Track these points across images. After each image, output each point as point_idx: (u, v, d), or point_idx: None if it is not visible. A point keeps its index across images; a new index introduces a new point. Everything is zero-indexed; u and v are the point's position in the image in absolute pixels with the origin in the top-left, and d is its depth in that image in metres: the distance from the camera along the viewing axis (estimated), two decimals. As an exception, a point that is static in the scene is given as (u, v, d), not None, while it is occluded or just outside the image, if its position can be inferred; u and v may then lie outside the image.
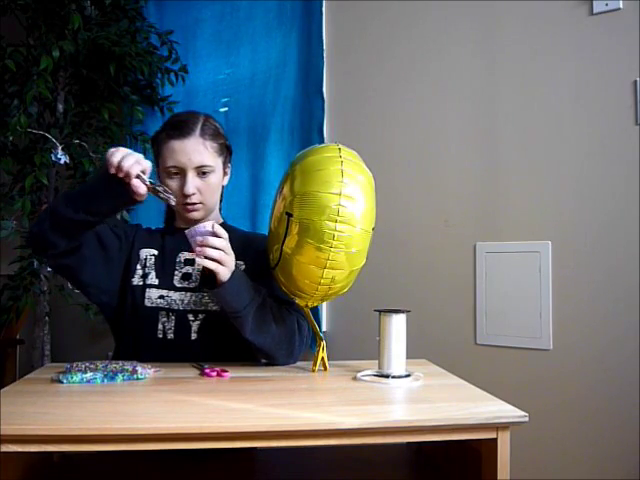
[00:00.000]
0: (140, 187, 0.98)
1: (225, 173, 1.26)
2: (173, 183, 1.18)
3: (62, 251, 1.07)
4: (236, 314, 1.04)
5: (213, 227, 1.00)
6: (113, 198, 1.02)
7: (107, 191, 1.01)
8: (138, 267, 1.20)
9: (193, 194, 1.17)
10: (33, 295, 1.99)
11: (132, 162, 0.96)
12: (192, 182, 1.16)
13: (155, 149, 1.22)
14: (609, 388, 1.53)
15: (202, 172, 1.18)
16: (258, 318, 1.06)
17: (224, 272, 0.99)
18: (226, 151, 1.25)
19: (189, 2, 2.26)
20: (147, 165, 0.99)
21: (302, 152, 1.02)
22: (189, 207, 1.18)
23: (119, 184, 0.98)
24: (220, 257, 0.98)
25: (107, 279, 1.17)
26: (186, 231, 1.02)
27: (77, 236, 1.07)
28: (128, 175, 0.96)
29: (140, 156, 0.99)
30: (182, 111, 1.32)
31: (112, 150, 0.98)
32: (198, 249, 0.98)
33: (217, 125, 1.24)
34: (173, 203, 1.05)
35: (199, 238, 0.99)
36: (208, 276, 1.03)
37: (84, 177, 1.97)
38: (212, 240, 0.99)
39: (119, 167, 0.96)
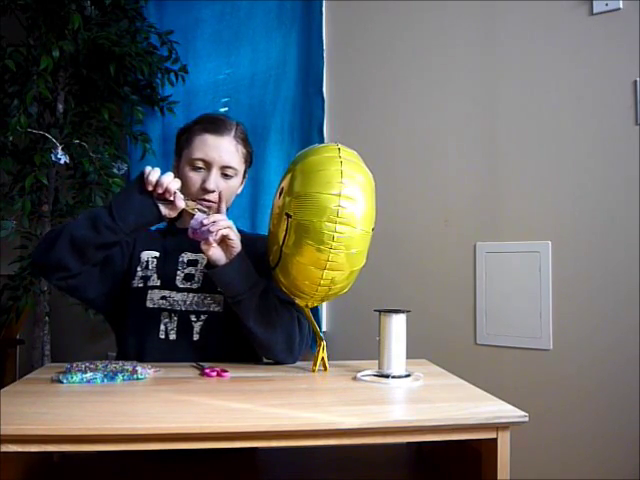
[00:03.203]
0: (180, 201, 1.04)
1: (242, 182, 1.27)
2: (195, 176, 1.19)
3: (73, 274, 1.07)
4: (240, 296, 1.05)
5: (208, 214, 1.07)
6: (141, 215, 1.04)
7: (137, 207, 1.04)
8: (139, 269, 1.20)
9: (213, 191, 1.17)
10: (33, 295, 1.99)
11: (171, 179, 1.03)
12: (215, 179, 1.18)
13: (183, 139, 1.22)
14: (609, 388, 1.53)
15: (226, 173, 1.19)
16: (261, 307, 1.07)
17: (238, 240, 1.06)
18: (249, 160, 1.27)
19: (189, 2, 2.26)
20: (180, 184, 1.06)
21: (302, 152, 1.02)
22: (205, 203, 1.18)
23: (149, 202, 1.04)
24: (230, 224, 1.05)
25: (112, 289, 1.18)
26: (189, 231, 1.04)
27: (94, 258, 1.08)
28: (168, 190, 1.03)
29: (172, 175, 1.05)
30: (213, 112, 1.35)
31: (148, 169, 1.04)
32: (211, 227, 1.02)
33: (246, 134, 1.27)
34: (206, 215, 1.07)
35: (205, 221, 1.03)
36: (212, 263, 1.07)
37: (84, 177, 1.97)
38: (214, 216, 1.05)
39: (159, 183, 1.02)
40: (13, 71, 1.81)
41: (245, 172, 1.27)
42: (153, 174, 1.03)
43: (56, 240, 1.05)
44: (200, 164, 1.18)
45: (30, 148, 1.95)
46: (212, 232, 1.02)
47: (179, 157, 1.23)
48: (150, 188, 1.02)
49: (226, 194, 1.20)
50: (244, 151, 1.23)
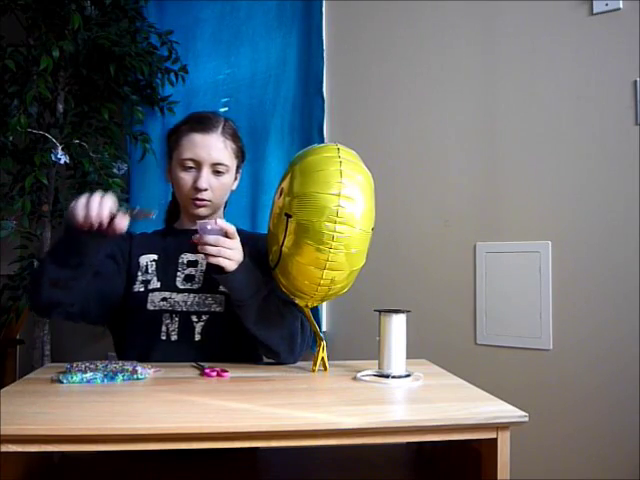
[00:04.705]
0: (121, 223, 0.96)
1: (235, 178, 1.26)
2: (186, 176, 1.18)
3: (69, 304, 1.07)
4: (241, 302, 1.05)
5: (216, 222, 1.01)
6: (86, 254, 1.00)
7: (81, 244, 0.99)
8: (139, 274, 1.19)
9: (205, 190, 1.17)
10: (33, 295, 1.98)
11: (96, 208, 0.93)
12: (206, 178, 1.17)
13: (172, 140, 1.22)
14: (609, 388, 1.53)
15: (217, 170, 1.19)
16: (263, 310, 1.06)
17: (226, 265, 1.00)
18: (241, 155, 1.26)
19: (189, 2, 2.26)
20: (112, 200, 0.96)
21: (301, 152, 1.02)
22: (198, 202, 1.18)
23: (88, 234, 0.96)
24: (218, 252, 0.99)
25: (112, 305, 1.17)
26: (198, 223, 1.02)
27: (81, 285, 1.06)
28: (101, 222, 0.94)
29: (96, 196, 0.95)
30: (202, 110, 1.32)
31: (71, 208, 0.95)
32: (199, 247, 1.00)
33: (235, 128, 1.25)
34: (154, 215, 1.02)
35: (206, 236, 1.00)
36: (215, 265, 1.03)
37: (84, 177, 1.97)
38: (207, 238, 0.99)
39: (87, 220, 0.94)
40: (13, 71, 1.81)
41: (238, 167, 1.26)
42: (78, 212, 0.94)
43: (38, 284, 1.03)
44: (190, 164, 1.17)
45: (30, 148, 1.95)
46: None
47: (170, 159, 1.23)
48: (86, 227, 0.95)
49: (219, 191, 1.20)
50: (234, 146, 1.22)
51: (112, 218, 0.96)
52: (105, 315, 1.18)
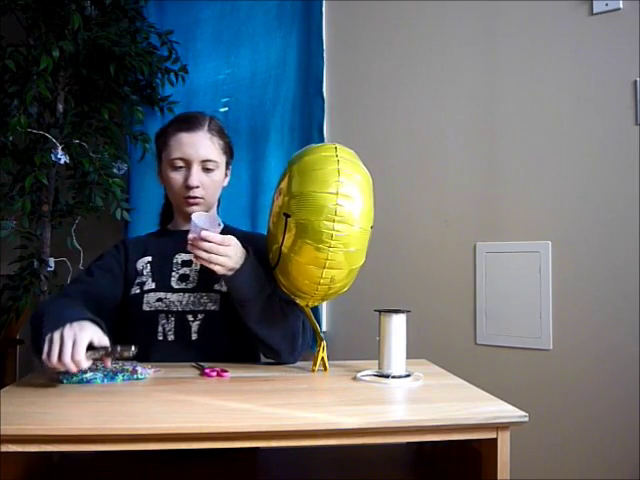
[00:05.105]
0: (106, 363, 0.93)
1: (225, 174, 1.27)
2: (177, 176, 1.19)
3: None
4: (244, 301, 1.05)
5: (201, 234, 0.99)
6: None
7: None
8: (137, 278, 1.20)
9: (197, 187, 1.18)
10: (33, 295, 1.98)
11: (72, 365, 0.85)
12: (196, 175, 1.18)
13: (161, 142, 1.23)
14: (609, 388, 1.53)
15: (206, 167, 1.20)
16: (266, 309, 1.06)
17: (216, 270, 1.00)
18: (229, 151, 1.27)
19: (189, 2, 2.26)
20: (86, 340, 0.87)
21: (299, 152, 1.02)
22: (190, 200, 1.19)
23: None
24: (209, 259, 0.98)
25: (114, 318, 1.17)
26: (193, 215, 1.01)
27: None
28: (80, 367, 0.87)
29: (67, 342, 0.85)
30: (186, 112, 1.34)
31: (44, 359, 0.87)
32: (189, 246, 0.99)
33: (221, 125, 1.27)
34: (134, 352, 0.92)
35: (202, 242, 0.98)
36: None
37: (84, 177, 1.97)
38: (202, 244, 0.98)
39: (68, 369, 0.87)
40: (13, 71, 1.81)
41: (228, 164, 1.27)
42: (54, 364, 0.86)
43: (38, 338, 0.95)
44: (180, 163, 1.19)
45: (30, 148, 1.94)
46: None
47: (160, 160, 1.24)
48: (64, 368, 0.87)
49: (211, 188, 1.21)
50: (221, 142, 1.23)
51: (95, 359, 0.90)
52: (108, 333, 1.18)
